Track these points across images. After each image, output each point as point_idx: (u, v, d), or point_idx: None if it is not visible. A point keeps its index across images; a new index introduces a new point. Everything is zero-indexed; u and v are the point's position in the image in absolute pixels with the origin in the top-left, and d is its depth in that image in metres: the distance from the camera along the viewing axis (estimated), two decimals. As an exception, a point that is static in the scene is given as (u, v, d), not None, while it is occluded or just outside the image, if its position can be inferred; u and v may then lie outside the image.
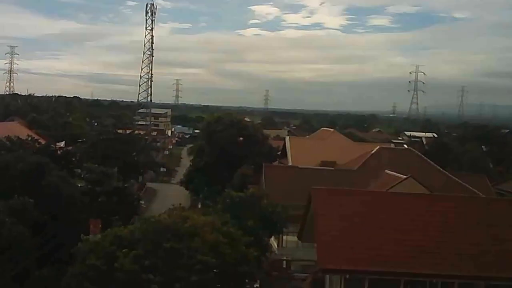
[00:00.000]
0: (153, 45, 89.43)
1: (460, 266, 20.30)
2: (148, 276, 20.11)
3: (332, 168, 32.12)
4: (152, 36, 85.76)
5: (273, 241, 31.03)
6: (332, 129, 55.59)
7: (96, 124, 51.69)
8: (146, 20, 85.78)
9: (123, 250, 21.24)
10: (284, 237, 32.12)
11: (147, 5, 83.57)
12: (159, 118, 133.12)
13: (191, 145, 70.12)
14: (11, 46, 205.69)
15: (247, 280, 22.86)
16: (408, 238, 20.96)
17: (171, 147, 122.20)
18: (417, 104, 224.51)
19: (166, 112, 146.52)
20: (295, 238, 32.95)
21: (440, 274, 19.95)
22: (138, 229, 22.34)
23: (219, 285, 21.62)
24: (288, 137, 48.55)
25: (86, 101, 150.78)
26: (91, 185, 38.22)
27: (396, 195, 23.63)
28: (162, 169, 72.26)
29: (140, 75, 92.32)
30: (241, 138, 51.00)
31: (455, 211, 22.02)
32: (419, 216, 21.68)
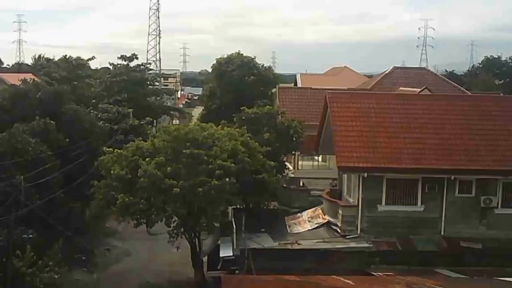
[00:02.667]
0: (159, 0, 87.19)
1: (478, 161, 20.38)
2: (171, 182, 20.44)
3: (346, 88, 32.02)
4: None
5: (288, 165, 31.28)
6: (344, 65, 54.90)
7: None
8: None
9: (146, 159, 21.58)
10: (300, 162, 32.39)
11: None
12: (169, 79, 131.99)
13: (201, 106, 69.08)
14: (18, 14, 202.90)
15: (266, 189, 23.03)
16: (427, 136, 21.03)
17: (181, 106, 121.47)
18: (427, 62, 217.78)
19: (175, 73, 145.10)
20: (310, 163, 33.34)
21: (458, 168, 20.07)
22: (158, 138, 22.61)
23: (239, 191, 21.91)
24: (299, 74, 48.05)
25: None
26: (108, 124, 38.50)
27: (414, 96, 23.50)
28: (175, 121, 71.69)
29: (148, 32, 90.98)
30: (252, 77, 50.38)
31: (473, 109, 21.94)
32: (437, 115, 21.66)
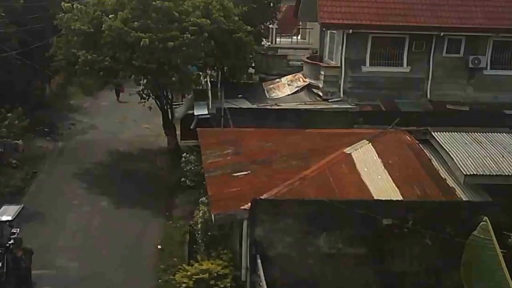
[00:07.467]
0: None
1: (468, 18, 20.61)
2: (139, 34, 20.19)
3: None
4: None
5: (264, 41, 31.09)
6: None
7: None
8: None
9: (110, 16, 21.13)
10: (278, 39, 32.18)
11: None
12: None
13: None
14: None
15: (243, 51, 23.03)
16: None
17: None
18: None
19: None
20: (288, 39, 33.06)
21: (447, 26, 20.28)
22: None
23: (215, 53, 21.92)
24: None
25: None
26: None
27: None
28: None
29: None
30: None
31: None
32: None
